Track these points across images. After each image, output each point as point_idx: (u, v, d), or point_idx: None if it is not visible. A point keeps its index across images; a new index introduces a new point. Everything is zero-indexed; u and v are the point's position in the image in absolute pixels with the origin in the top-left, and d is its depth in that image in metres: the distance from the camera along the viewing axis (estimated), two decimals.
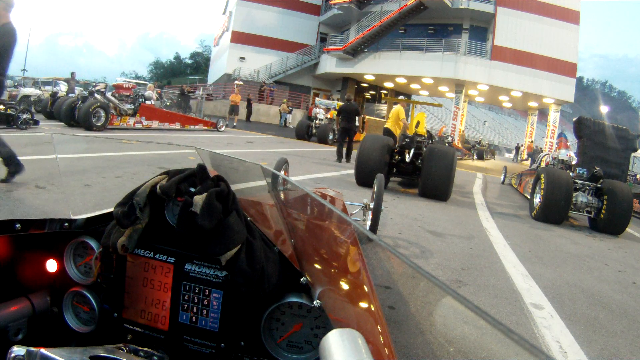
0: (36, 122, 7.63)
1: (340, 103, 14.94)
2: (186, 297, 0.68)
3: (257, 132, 13.37)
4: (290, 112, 19.03)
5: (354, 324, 0.53)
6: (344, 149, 8.21)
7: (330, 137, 12.75)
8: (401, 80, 22.87)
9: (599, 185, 5.39)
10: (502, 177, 10.34)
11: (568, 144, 7.02)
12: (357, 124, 8.18)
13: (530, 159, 19.57)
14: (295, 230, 0.83)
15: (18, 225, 0.73)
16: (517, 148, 29.08)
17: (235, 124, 13.15)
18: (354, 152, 7.10)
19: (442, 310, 0.41)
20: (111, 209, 0.70)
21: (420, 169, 5.65)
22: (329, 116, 14.42)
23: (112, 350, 0.59)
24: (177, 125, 10.54)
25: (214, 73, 31.11)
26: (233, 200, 0.67)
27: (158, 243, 0.71)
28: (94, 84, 12.48)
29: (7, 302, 0.71)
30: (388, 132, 7.24)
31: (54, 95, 10.60)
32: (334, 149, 8.90)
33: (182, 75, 52.34)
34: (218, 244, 0.63)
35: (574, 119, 7.26)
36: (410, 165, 5.86)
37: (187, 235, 0.65)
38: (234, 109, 14.54)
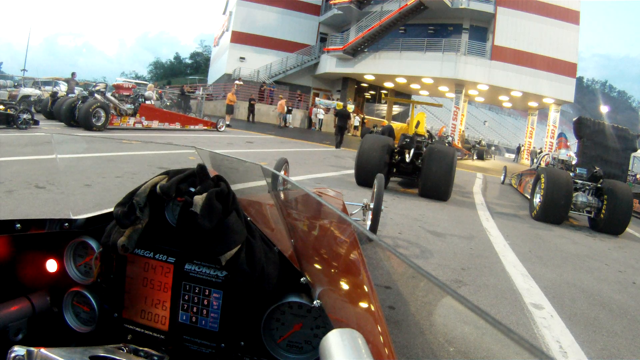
0: (36, 122, 7.62)
1: (340, 103, 16.53)
2: (186, 297, 0.68)
3: (257, 132, 13.37)
4: (290, 112, 19.03)
5: (354, 324, 0.53)
6: (339, 140, 11.84)
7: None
8: (401, 80, 22.87)
9: (599, 185, 5.39)
10: (502, 177, 10.34)
11: (568, 144, 7.02)
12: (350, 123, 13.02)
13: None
14: (295, 230, 0.83)
15: (18, 225, 0.73)
16: (519, 148, 29.07)
17: (228, 122, 13.19)
18: (354, 153, 7.17)
19: (442, 310, 0.41)
20: (111, 209, 0.70)
21: (420, 169, 5.65)
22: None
23: (112, 350, 0.59)
24: (177, 125, 10.54)
25: (214, 73, 31.09)
26: (233, 200, 0.67)
27: (158, 243, 0.71)
28: (94, 84, 12.47)
29: (7, 302, 0.71)
30: (389, 131, 7.25)
31: (54, 95, 10.57)
32: (334, 149, 11.35)
33: (182, 75, 52.25)
34: (218, 244, 0.63)
35: (574, 119, 7.26)
36: (410, 165, 5.86)
37: (187, 235, 0.65)
38: (230, 109, 14.53)
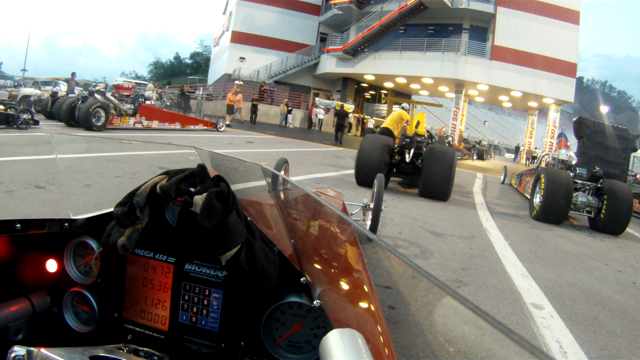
0: (36, 122, 7.62)
1: (340, 102, 17.10)
2: (186, 297, 0.68)
3: (257, 132, 13.37)
4: (290, 112, 19.04)
5: (354, 324, 0.53)
6: (338, 137, 13.50)
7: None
8: (401, 80, 22.87)
9: (599, 185, 5.38)
10: (502, 177, 10.34)
11: (568, 144, 7.02)
12: (348, 122, 15.14)
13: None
14: (295, 230, 0.83)
15: (18, 225, 0.73)
16: (517, 148, 29.09)
17: (228, 122, 13.23)
18: (354, 153, 7.19)
19: (442, 310, 0.41)
20: (111, 209, 0.70)
21: (420, 169, 5.65)
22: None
23: (112, 350, 0.59)
24: (177, 125, 10.53)
25: (214, 73, 31.10)
26: (233, 200, 0.67)
27: (158, 243, 0.71)
28: (94, 84, 12.47)
29: (7, 302, 0.71)
30: (387, 132, 7.25)
31: (54, 95, 10.57)
32: (334, 148, 11.63)
33: (182, 75, 52.34)
34: (218, 244, 0.63)
35: (574, 119, 7.26)
36: (410, 165, 5.86)
37: (187, 235, 0.65)
38: (230, 109, 14.52)
